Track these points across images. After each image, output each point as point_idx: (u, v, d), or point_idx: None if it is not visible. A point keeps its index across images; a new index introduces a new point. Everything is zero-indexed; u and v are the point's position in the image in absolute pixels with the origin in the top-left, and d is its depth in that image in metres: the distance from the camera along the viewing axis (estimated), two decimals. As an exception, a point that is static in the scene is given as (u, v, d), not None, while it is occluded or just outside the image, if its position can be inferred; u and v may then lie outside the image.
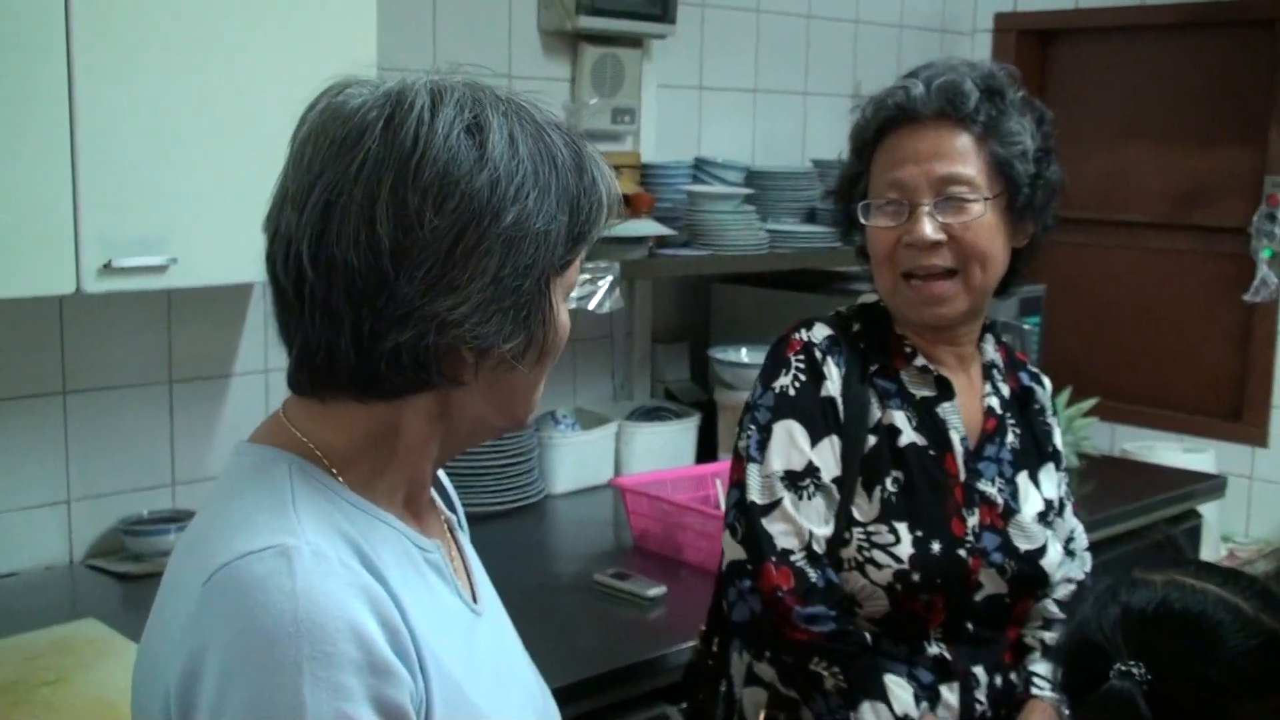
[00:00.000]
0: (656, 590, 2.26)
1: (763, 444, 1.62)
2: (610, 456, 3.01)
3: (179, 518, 2.43)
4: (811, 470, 1.60)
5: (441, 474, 1.23)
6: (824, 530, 1.59)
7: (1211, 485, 3.26)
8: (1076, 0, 3.90)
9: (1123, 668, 1.09)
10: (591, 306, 2.64)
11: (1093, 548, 2.84)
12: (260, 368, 2.61)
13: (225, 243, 2.14)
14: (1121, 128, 3.94)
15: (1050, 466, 1.78)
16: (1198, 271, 3.81)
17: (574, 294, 1.14)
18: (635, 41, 3.13)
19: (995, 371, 1.76)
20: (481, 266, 0.98)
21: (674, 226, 2.95)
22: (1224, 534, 3.57)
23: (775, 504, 1.60)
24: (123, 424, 2.44)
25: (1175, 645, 1.10)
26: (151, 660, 1.01)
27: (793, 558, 1.58)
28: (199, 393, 2.54)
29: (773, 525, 1.59)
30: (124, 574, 2.33)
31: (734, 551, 1.62)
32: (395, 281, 0.97)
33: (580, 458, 2.94)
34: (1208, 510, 3.27)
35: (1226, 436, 3.69)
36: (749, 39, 3.48)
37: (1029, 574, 1.68)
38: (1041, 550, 1.69)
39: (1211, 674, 1.08)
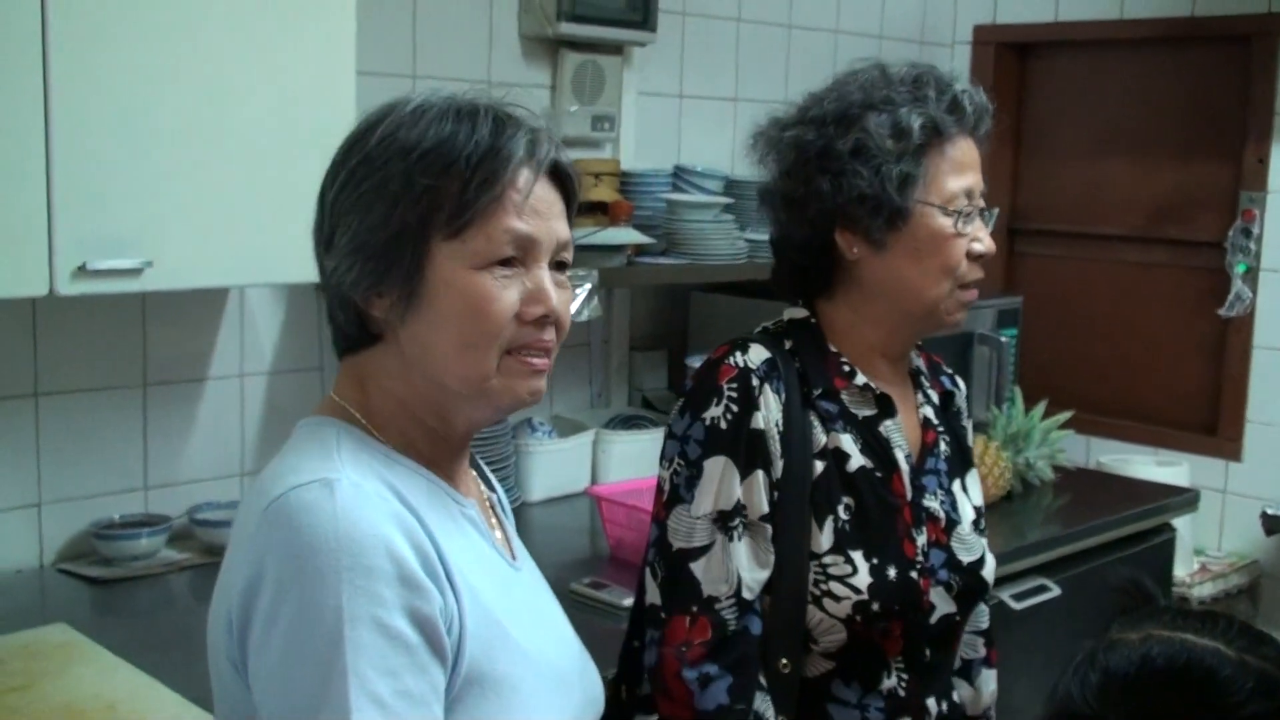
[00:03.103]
0: (632, 600, 2.24)
1: (693, 481, 1.52)
2: (587, 464, 3.00)
3: (151, 522, 2.42)
4: (740, 509, 1.52)
5: (483, 464, 1.41)
6: (754, 574, 1.52)
7: (1185, 499, 3.27)
8: (1056, 13, 3.91)
9: None
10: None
11: (1068, 560, 2.89)
12: (235, 372, 2.60)
13: (201, 246, 2.13)
14: (1099, 141, 3.96)
15: (973, 471, 1.75)
16: (1173, 285, 3.83)
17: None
18: (616, 48, 3.13)
19: (922, 378, 1.72)
20: (344, 228, 1.19)
21: (653, 235, 2.95)
22: (1197, 547, 3.58)
23: (706, 548, 1.51)
24: (95, 427, 2.42)
25: (1166, 705, 1.06)
26: (221, 590, 1.16)
27: (718, 605, 1.50)
28: (173, 396, 2.52)
29: (703, 571, 1.51)
30: (95, 578, 2.31)
31: (653, 594, 1.55)
32: (317, 253, 1.24)
33: (557, 465, 2.93)
34: (1181, 524, 3.28)
35: (1200, 450, 3.70)
36: (729, 47, 3.48)
37: (973, 586, 1.65)
38: (981, 560, 1.67)
39: None
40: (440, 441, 1.24)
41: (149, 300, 2.44)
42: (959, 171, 1.57)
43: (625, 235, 2.82)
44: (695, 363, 3.04)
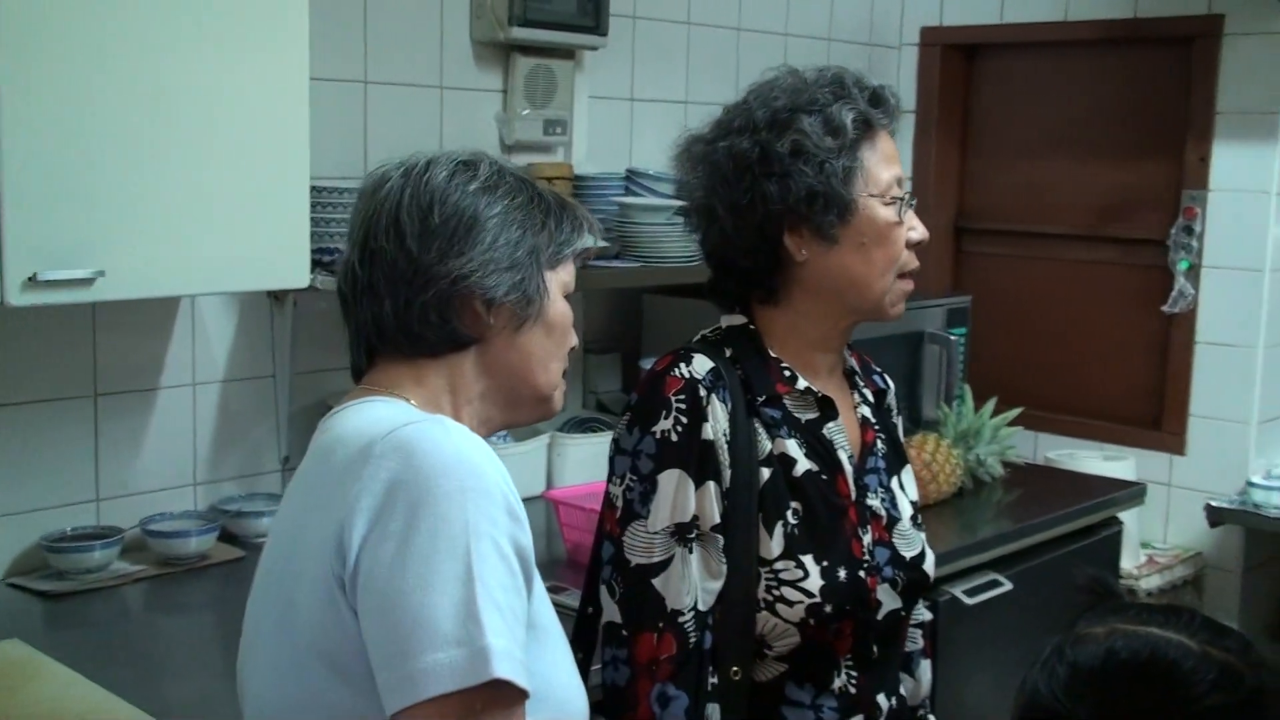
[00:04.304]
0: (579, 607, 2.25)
1: (647, 495, 1.53)
2: (542, 468, 3.01)
3: (103, 534, 2.39)
4: (694, 521, 1.54)
5: None
6: (707, 585, 1.53)
7: (1132, 493, 3.33)
8: (1001, 15, 3.96)
9: None
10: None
11: (1019, 555, 2.93)
12: (188, 381, 2.58)
13: (154, 254, 2.11)
14: (1044, 141, 4.01)
15: (908, 467, 1.78)
16: (1117, 283, 3.89)
17: None
18: (567, 53, 3.13)
19: (856, 378, 1.74)
20: (480, 239, 1.33)
21: (606, 238, 2.95)
22: (1143, 540, 3.64)
23: (666, 562, 1.52)
24: (45, 438, 2.39)
25: (1132, 697, 1.09)
26: (323, 517, 1.23)
27: (681, 619, 1.51)
28: (124, 406, 2.50)
29: (664, 586, 1.52)
30: (47, 592, 2.28)
31: (611, 613, 1.55)
32: (417, 256, 1.32)
33: (512, 469, 2.87)
34: (1128, 517, 3.33)
35: (1146, 444, 3.76)
36: (680, 51, 3.50)
37: (916, 580, 1.68)
38: (922, 554, 1.70)
39: (1173, 718, 1.07)
40: (483, 433, 1.38)
41: (99, 309, 2.42)
42: (889, 162, 1.62)
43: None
44: (650, 365, 3.05)
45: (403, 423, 1.24)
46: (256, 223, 2.24)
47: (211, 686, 1.95)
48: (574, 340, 1.44)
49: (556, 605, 2.23)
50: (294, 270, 2.31)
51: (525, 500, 3.14)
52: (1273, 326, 3.60)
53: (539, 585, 1.33)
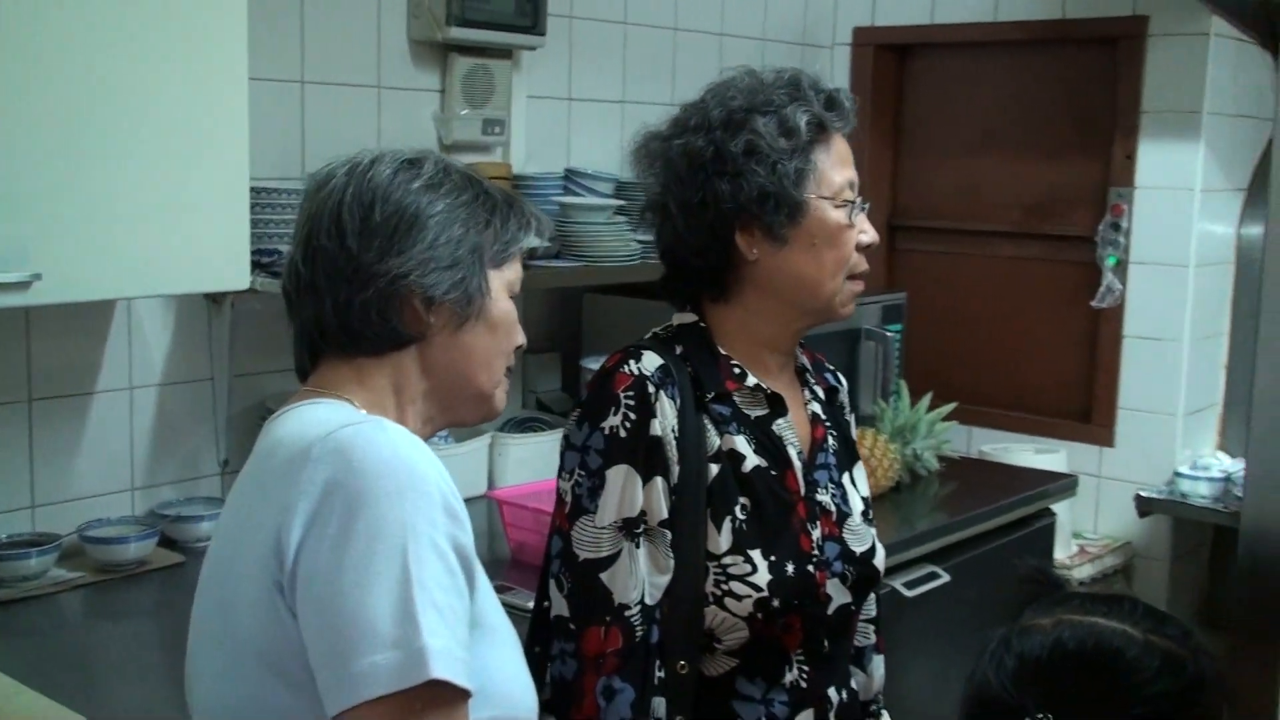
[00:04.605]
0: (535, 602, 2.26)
1: (595, 491, 1.54)
2: (484, 468, 3.01)
3: (40, 541, 2.35)
4: (642, 516, 1.55)
5: None
6: (655, 580, 1.55)
7: (1063, 484, 3.40)
8: (932, 15, 4.02)
9: None
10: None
11: (955, 548, 2.98)
12: (124, 384, 2.55)
13: (91, 257, 2.09)
14: (975, 140, 4.07)
15: (859, 463, 1.80)
16: (1048, 279, 3.96)
17: None
18: (505, 52, 3.13)
19: (808, 375, 1.76)
20: (421, 237, 1.33)
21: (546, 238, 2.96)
22: (1075, 531, 3.72)
23: (614, 557, 1.54)
24: (-21, 445, 2.36)
25: (1079, 685, 1.11)
26: (257, 523, 1.24)
27: (628, 613, 1.53)
28: (60, 411, 2.46)
29: (611, 580, 1.53)
30: (-17, 601, 2.25)
31: (559, 606, 1.57)
32: (357, 254, 1.32)
33: (453, 470, 2.87)
34: (1060, 508, 3.40)
35: (1076, 437, 3.84)
36: (616, 51, 3.51)
37: (866, 575, 1.70)
38: (872, 549, 1.72)
39: (1121, 706, 1.10)
40: (427, 432, 1.40)
41: (33, 312, 2.38)
42: (843, 165, 1.63)
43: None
44: (591, 364, 3.06)
45: (341, 424, 1.24)
46: (195, 224, 2.22)
47: (155, 692, 1.93)
48: (520, 339, 1.44)
49: (503, 604, 2.25)
50: (234, 272, 2.29)
51: (467, 500, 3.13)
52: (1198, 320, 3.69)
53: (484, 584, 1.34)
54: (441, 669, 1.16)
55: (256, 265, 2.40)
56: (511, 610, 2.21)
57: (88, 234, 2.07)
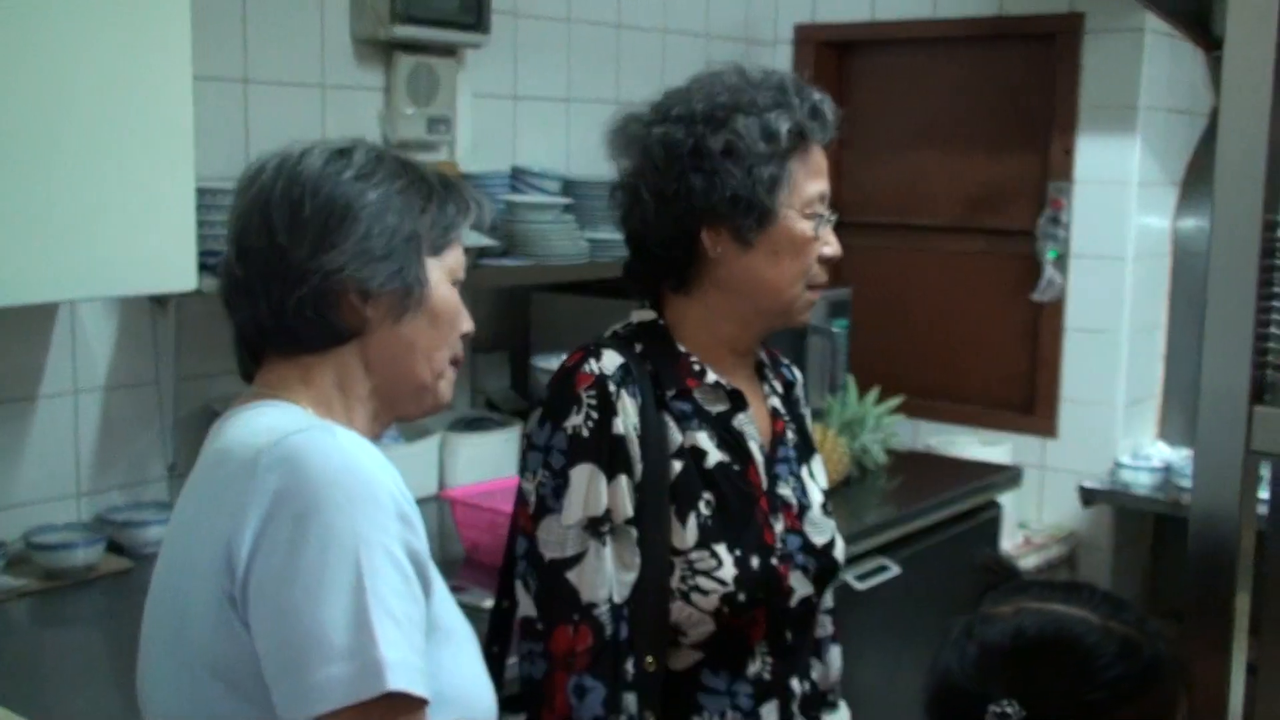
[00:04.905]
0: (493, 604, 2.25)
1: (560, 490, 1.55)
2: (434, 468, 3.00)
3: (-16, 548, 2.32)
4: (607, 515, 1.55)
5: None
6: (622, 577, 1.56)
7: (1008, 476, 3.44)
8: (872, 13, 4.06)
9: (998, 710, 1.12)
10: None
11: (904, 540, 3.01)
12: (69, 389, 2.51)
13: (33, 260, 2.05)
14: (916, 136, 4.11)
15: (817, 456, 1.82)
16: (989, 273, 4.01)
17: None
18: (449, 50, 3.12)
19: (766, 370, 1.77)
20: (353, 230, 1.29)
21: (494, 236, 2.95)
22: (1020, 521, 3.77)
23: (579, 556, 1.54)
24: (-80, 452, 2.31)
25: (1041, 672, 1.13)
26: (207, 535, 1.21)
27: (597, 611, 1.53)
28: (2, 416, 2.42)
29: (579, 579, 1.53)
30: (-74, 611, 2.21)
31: (527, 607, 1.57)
32: (289, 251, 1.29)
33: (403, 470, 2.86)
34: (1005, 500, 3.45)
35: (1020, 429, 3.89)
36: (561, 48, 3.51)
37: (826, 567, 1.72)
38: (832, 541, 1.74)
39: (1082, 691, 1.12)
40: (369, 433, 1.36)
41: (-27, 317, 2.35)
42: (817, 177, 1.64)
43: (468, 237, 2.81)
44: (541, 363, 3.06)
45: (289, 431, 1.22)
46: (140, 226, 2.19)
47: (105, 700, 1.91)
48: (466, 325, 1.41)
49: (461, 605, 2.25)
50: (180, 274, 2.27)
51: (418, 501, 3.12)
52: (1136, 312, 3.75)
53: (440, 586, 1.33)
54: (398, 680, 1.15)
55: (203, 267, 2.38)
56: (467, 610, 2.21)
57: (30, 236, 2.04)
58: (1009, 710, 1.12)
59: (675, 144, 1.60)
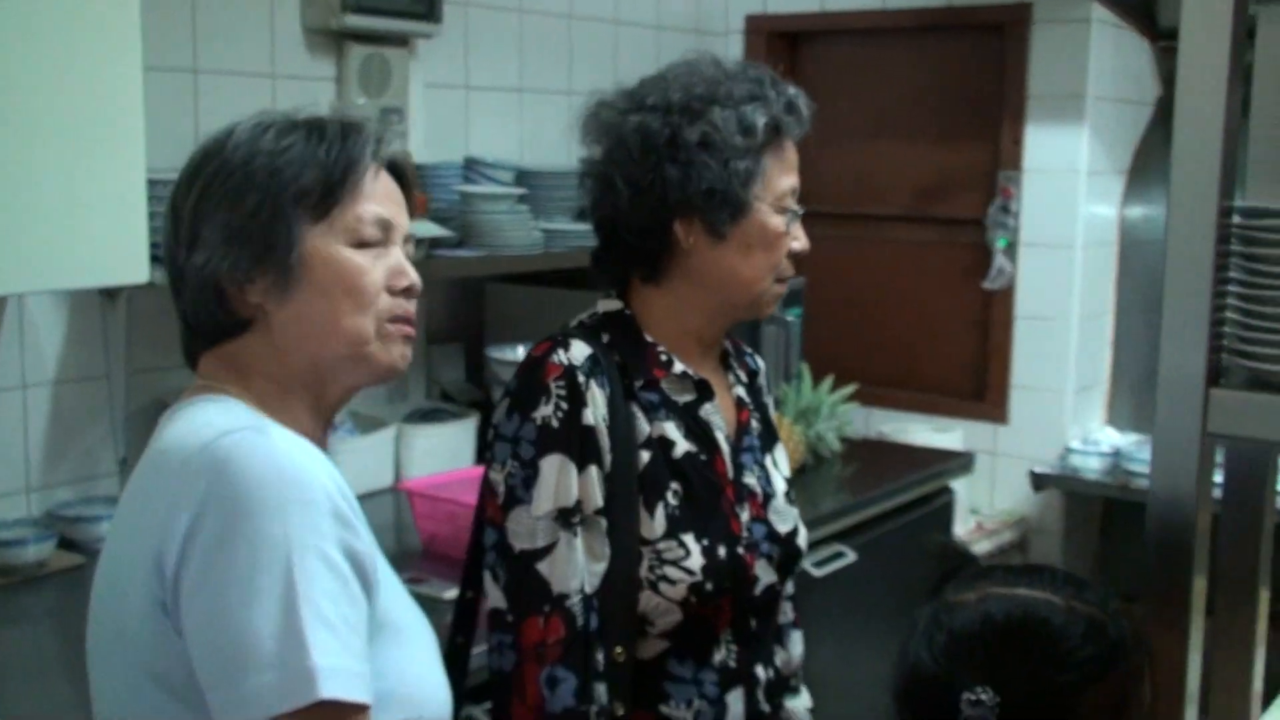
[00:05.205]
0: (454, 593, 2.24)
1: (530, 481, 1.54)
2: (390, 460, 2.98)
3: (-67, 547, 2.28)
4: (578, 506, 1.55)
5: None
6: (592, 568, 1.55)
7: (961, 462, 3.48)
8: (822, 4, 4.07)
9: (971, 697, 1.13)
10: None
11: (860, 527, 3.04)
12: (18, 383, 2.47)
13: (-18, 253, 2.02)
14: (868, 126, 4.14)
15: (780, 445, 1.82)
16: (941, 261, 4.04)
17: None
18: (401, 40, 3.10)
19: (731, 360, 1.78)
20: (212, 221, 1.27)
21: (448, 227, 2.94)
22: (972, 507, 3.81)
23: (550, 547, 1.53)
24: None
25: (1011, 657, 1.15)
26: (139, 538, 1.20)
27: (568, 602, 1.53)
28: (-51, 412, 2.39)
29: (549, 570, 1.52)
30: (-126, 610, 2.17)
31: (496, 599, 1.57)
32: (174, 254, 1.30)
33: (359, 463, 2.89)
34: (958, 486, 3.48)
35: (971, 415, 3.93)
36: (513, 38, 3.50)
37: (790, 554, 1.73)
38: (795, 529, 1.75)
39: (1052, 673, 1.13)
40: (315, 416, 1.34)
41: (-82, 312, 2.31)
42: (789, 172, 1.64)
43: (422, 228, 2.80)
44: (496, 354, 3.05)
45: (222, 433, 1.20)
46: (90, 218, 2.16)
47: (57, 696, 1.89)
48: (393, 280, 1.30)
49: (417, 596, 2.24)
50: (131, 266, 2.24)
51: (374, 493, 3.11)
52: (1085, 299, 3.80)
53: (389, 583, 1.31)
54: (331, 688, 1.13)
55: (155, 259, 2.35)
56: (426, 601, 2.20)
57: (-22, 228, 2.01)
58: (983, 697, 1.13)
59: (651, 134, 1.59)
